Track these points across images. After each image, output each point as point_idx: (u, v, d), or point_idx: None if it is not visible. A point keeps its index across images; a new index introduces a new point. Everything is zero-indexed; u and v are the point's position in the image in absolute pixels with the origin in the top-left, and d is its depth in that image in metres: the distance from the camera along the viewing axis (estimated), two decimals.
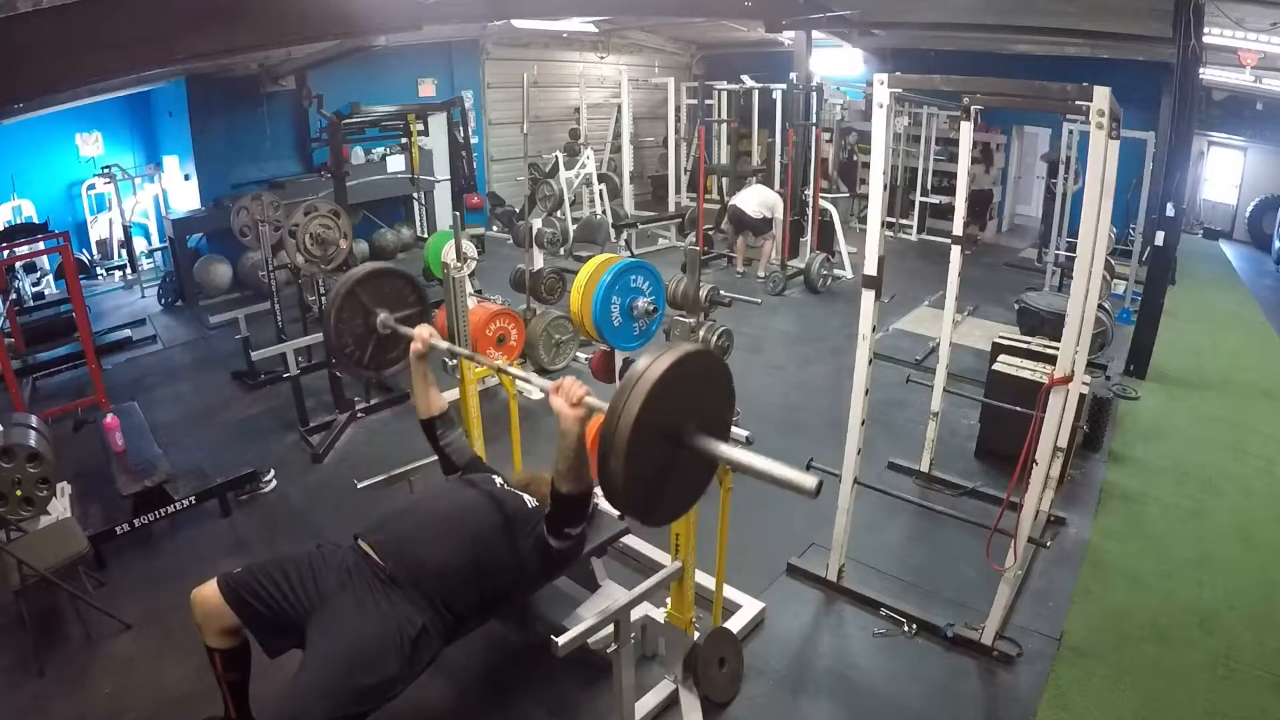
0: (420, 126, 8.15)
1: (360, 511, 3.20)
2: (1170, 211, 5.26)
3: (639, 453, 1.47)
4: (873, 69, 9.44)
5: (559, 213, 8.62)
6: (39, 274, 7.28)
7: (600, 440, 1.52)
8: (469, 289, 4.70)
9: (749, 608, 2.97)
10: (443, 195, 8.64)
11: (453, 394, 3.75)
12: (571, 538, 2.17)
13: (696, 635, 2.55)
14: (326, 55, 6.90)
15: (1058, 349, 2.61)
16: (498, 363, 2.43)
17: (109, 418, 3.83)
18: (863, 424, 2.98)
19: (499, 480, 2.49)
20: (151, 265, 8.46)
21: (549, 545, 2.17)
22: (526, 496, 2.41)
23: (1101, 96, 2.27)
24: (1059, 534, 3.60)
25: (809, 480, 1.42)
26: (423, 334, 2.48)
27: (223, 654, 2.14)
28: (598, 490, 1.78)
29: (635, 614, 2.46)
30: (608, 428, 1.49)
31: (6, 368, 4.39)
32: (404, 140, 8.15)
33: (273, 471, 4.03)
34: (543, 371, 5.19)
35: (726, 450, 1.53)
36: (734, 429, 2.82)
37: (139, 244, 8.38)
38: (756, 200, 7.49)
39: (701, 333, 4.45)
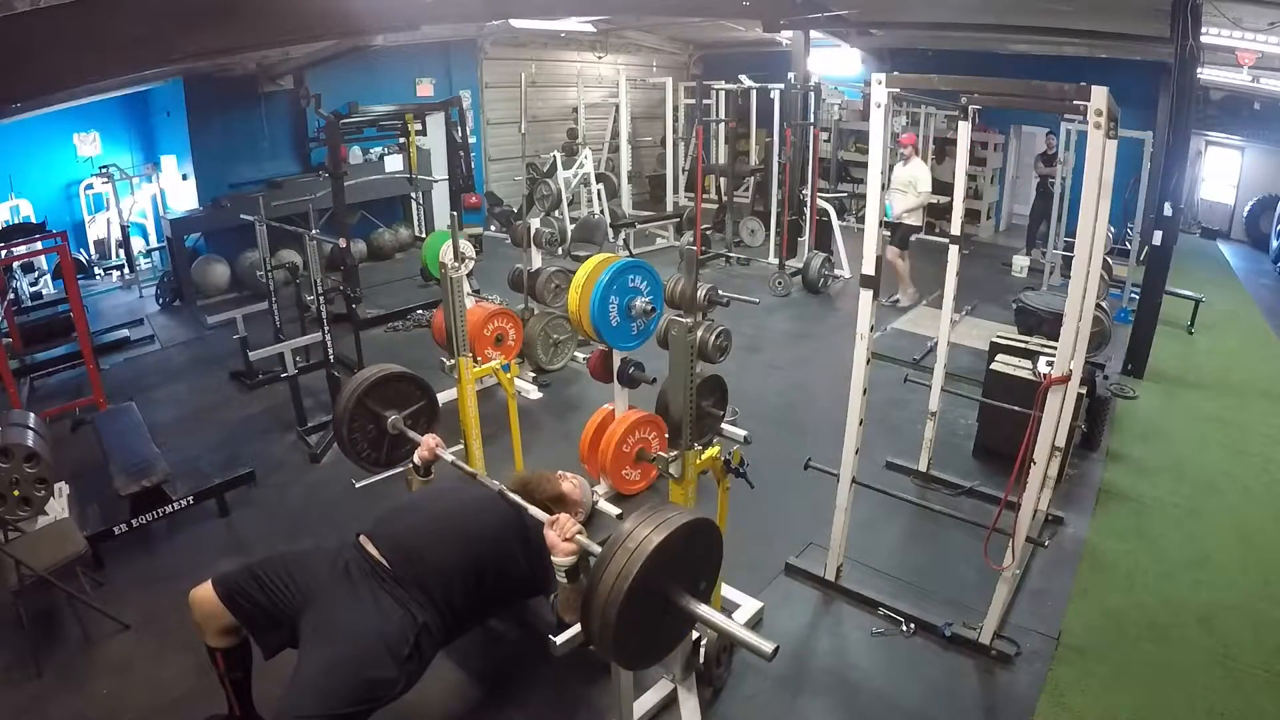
0: (418, 126, 8.15)
1: (358, 511, 3.21)
2: (1169, 211, 5.26)
3: (629, 614, 1.56)
4: (870, 69, 9.46)
5: (557, 212, 8.62)
6: (37, 274, 7.28)
7: (588, 604, 1.60)
8: (467, 289, 4.70)
9: (747, 607, 2.97)
10: (440, 195, 8.64)
11: (450, 394, 3.75)
12: None
13: (695, 634, 2.55)
14: (324, 55, 6.91)
15: (1055, 348, 2.61)
16: (498, 486, 2.46)
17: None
18: (861, 423, 2.98)
19: (498, 486, 2.50)
20: (149, 265, 8.45)
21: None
22: (530, 507, 2.42)
23: (1099, 96, 2.27)
24: (1057, 533, 3.60)
25: (766, 646, 1.57)
26: (429, 444, 2.58)
27: (224, 653, 2.14)
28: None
29: None
30: (599, 585, 1.57)
31: (4, 368, 4.38)
32: (402, 140, 8.15)
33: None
34: (541, 370, 5.19)
35: (706, 613, 1.65)
36: (733, 428, 2.83)
37: (137, 244, 8.39)
38: None
39: (699, 332, 4.44)
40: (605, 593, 1.54)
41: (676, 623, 1.72)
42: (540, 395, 5.03)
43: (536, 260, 4.97)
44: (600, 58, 11.36)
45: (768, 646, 1.56)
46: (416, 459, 2.58)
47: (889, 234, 7.00)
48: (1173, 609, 3.13)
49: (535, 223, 5.00)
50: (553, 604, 2.24)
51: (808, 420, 4.73)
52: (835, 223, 7.94)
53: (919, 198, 6.79)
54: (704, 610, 1.63)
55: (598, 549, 1.80)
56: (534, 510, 2.26)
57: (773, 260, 7.98)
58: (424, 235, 8.37)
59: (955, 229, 3.53)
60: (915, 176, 6.77)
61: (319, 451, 4.29)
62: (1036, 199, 8.97)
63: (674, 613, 1.65)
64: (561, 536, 2.00)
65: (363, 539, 2.19)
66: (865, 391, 2.94)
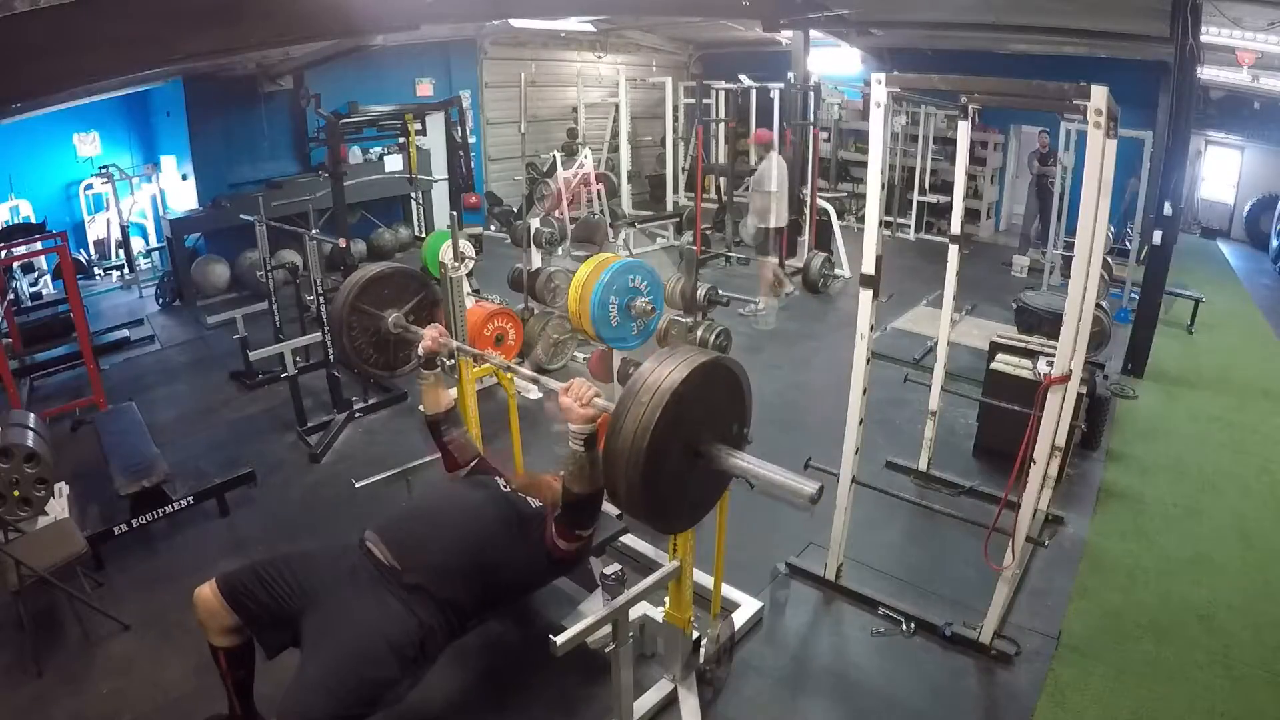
0: (418, 126, 8.14)
1: (358, 511, 3.20)
2: (1169, 211, 5.25)
3: (655, 467, 1.42)
4: (870, 68, 9.45)
5: (557, 212, 8.62)
6: (37, 274, 7.28)
7: (608, 448, 1.45)
8: (467, 288, 4.70)
9: (747, 607, 2.97)
10: (440, 195, 8.63)
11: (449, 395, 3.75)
12: (581, 539, 2.17)
13: (695, 634, 2.55)
14: (324, 55, 6.90)
15: (1055, 348, 2.61)
16: (501, 359, 2.43)
17: None
18: (861, 423, 2.98)
19: (502, 483, 2.50)
20: (149, 265, 8.45)
21: (557, 548, 2.18)
22: (530, 500, 2.42)
23: (1099, 95, 2.27)
24: (1057, 533, 3.60)
25: (808, 487, 1.44)
26: (431, 334, 2.51)
27: (226, 652, 2.14)
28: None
29: (634, 613, 2.46)
30: (618, 437, 1.42)
31: (4, 368, 4.37)
32: (401, 140, 8.14)
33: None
34: (541, 372, 5.19)
35: (741, 461, 1.50)
36: None
37: (137, 244, 8.38)
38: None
39: (699, 332, 4.45)
40: (626, 447, 1.38)
41: (711, 475, 1.55)
42: (540, 395, 5.03)
43: (536, 260, 4.97)
44: (600, 57, 11.35)
45: (810, 488, 1.44)
46: (420, 351, 2.54)
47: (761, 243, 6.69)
48: (1173, 609, 3.13)
49: (535, 223, 5.00)
50: (553, 526, 2.15)
51: (808, 420, 4.72)
52: (835, 222, 7.93)
53: (763, 197, 6.44)
54: (738, 459, 1.47)
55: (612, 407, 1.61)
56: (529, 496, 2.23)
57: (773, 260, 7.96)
58: (424, 235, 8.36)
59: (955, 229, 3.52)
60: (762, 174, 6.39)
61: (319, 451, 4.29)
62: (1030, 198, 8.97)
63: (706, 464, 1.49)
64: (579, 402, 1.82)
65: (368, 541, 2.19)
66: (865, 391, 2.94)
